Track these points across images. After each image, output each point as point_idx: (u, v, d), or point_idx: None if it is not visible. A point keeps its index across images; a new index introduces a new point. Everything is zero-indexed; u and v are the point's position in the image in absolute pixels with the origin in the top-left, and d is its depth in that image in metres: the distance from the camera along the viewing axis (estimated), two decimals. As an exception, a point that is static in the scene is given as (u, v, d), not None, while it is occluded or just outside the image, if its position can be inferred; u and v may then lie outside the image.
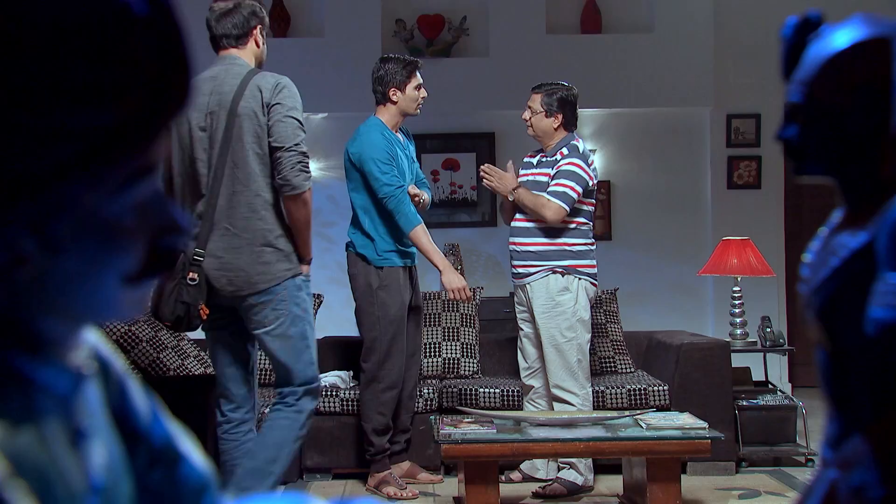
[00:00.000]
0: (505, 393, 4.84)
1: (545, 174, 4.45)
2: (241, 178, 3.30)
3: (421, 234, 4.36)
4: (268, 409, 3.54)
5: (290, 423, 3.36)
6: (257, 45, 3.46)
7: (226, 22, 3.41)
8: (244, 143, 3.30)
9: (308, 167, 3.36)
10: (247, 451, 3.40)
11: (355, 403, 4.73)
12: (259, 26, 3.45)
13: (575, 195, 4.34)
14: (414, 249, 4.50)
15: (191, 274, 3.24)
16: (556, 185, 4.36)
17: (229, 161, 3.30)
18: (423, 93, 4.52)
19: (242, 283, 3.31)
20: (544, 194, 4.36)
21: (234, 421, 3.47)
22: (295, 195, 3.31)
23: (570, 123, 4.51)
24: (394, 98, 4.48)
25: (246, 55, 3.43)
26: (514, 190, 4.44)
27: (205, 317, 3.30)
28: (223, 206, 3.31)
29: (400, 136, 4.56)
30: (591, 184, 4.42)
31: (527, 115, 4.52)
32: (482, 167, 4.59)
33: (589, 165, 4.42)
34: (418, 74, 4.51)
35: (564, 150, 4.43)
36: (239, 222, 3.31)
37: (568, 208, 4.33)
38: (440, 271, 4.41)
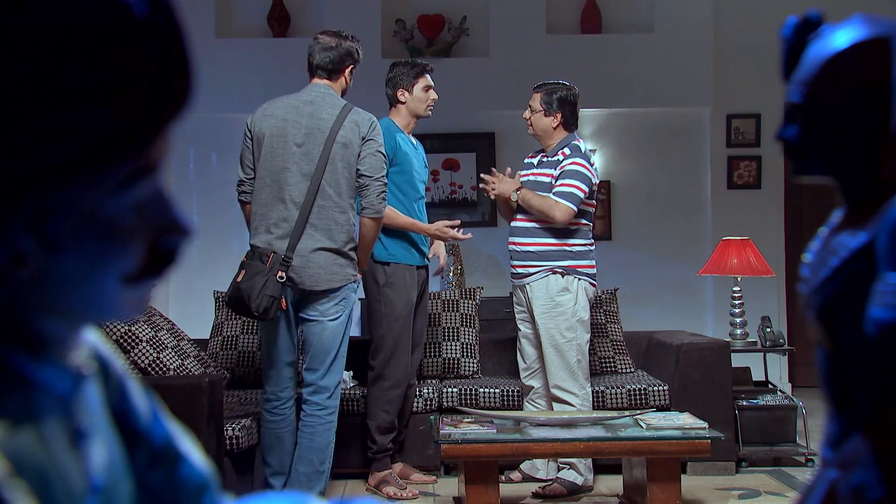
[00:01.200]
0: (505, 393, 4.84)
1: (547, 174, 4.44)
2: (331, 194, 3.83)
3: (391, 213, 4.33)
4: (302, 413, 3.96)
5: (330, 424, 3.92)
6: (346, 82, 4.01)
7: (325, 55, 3.94)
8: (338, 166, 3.84)
9: (387, 196, 3.97)
10: (298, 458, 3.91)
11: (355, 403, 4.73)
12: (351, 66, 3.99)
13: (582, 195, 4.33)
14: (426, 248, 4.59)
15: (280, 272, 3.73)
16: (563, 185, 4.35)
17: (324, 180, 3.81)
18: (432, 94, 4.59)
19: (322, 279, 3.83)
20: (551, 195, 4.36)
21: (282, 399, 3.95)
22: (376, 217, 3.94)
23: (569, 123, 4.51)
24: (402, 98, 4.55)
25: (335, 87, 3.96)
26: (516, 191, 4.43)
27: (283, 309, 3.79)
28: (313, 215, 3.80)
29: (413, 139, 4.62)
30: (593, 184, 4.42)
31: (527, 114, 4.53)
32: (483, 176, 4.58)
33: (591, 166, 4.42)
34: (427, 76, 4.58)
35: (566, 151, 4.42)
36: (323, 231, 3.82)
37: (576, 208, 4.32)
38: (430, 235, 4.57)
